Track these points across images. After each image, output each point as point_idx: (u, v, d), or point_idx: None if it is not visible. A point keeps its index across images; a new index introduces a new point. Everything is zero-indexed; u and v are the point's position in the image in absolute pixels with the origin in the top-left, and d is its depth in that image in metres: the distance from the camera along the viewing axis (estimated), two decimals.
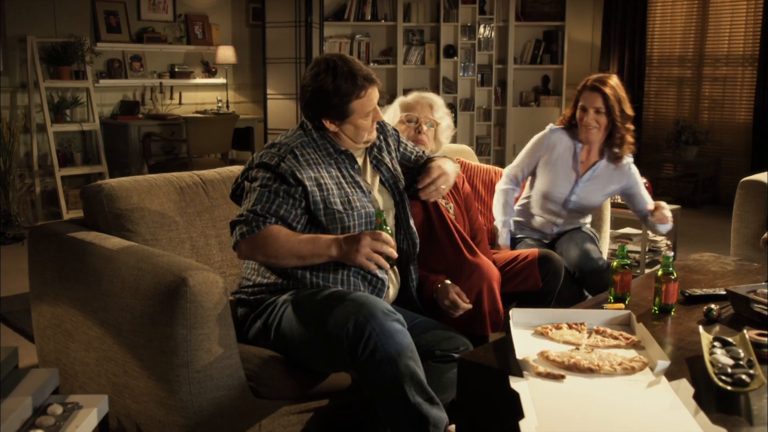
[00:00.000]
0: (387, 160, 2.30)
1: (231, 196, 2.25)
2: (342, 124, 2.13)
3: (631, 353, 1.80)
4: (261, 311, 2.09)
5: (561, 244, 3.06)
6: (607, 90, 2.93)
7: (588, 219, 3.28)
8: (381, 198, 2.25)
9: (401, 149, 2.40)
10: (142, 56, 6.53)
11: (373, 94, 2.13)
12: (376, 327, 1.82)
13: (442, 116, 2.71)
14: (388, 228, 2.07)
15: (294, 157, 2.07)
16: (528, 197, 3.20)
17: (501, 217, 3.09)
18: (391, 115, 2.72)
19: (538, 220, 3.16)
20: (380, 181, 2.28)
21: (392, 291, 2.24)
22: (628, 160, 3.11)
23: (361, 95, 2.09)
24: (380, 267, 1.99)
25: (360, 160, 2.25)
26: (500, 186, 3.15)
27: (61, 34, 5.90)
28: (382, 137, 2.32)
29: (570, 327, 1.94)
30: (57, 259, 2.26)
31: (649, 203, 3.11)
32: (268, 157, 2.08)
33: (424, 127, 2.64)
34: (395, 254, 2.00)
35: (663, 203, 3.00)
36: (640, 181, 3.17)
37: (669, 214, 2.94)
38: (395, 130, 2.41)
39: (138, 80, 6.51)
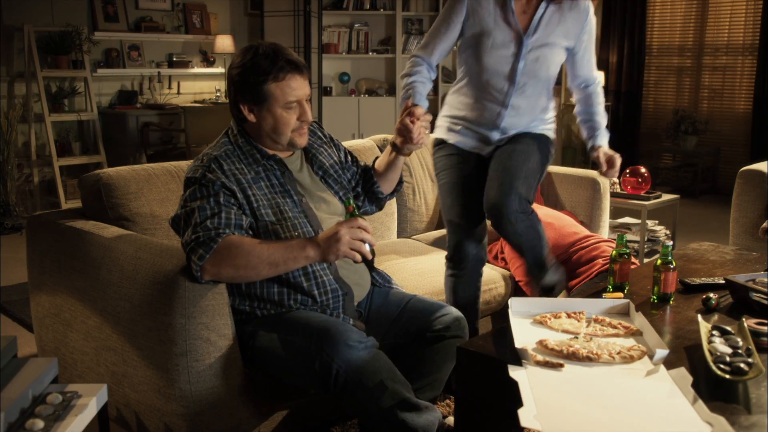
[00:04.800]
0: (332, 171, 2.15)
1: (171, 224, 1.98)
2: (259, 112, 1.94)
3: (630, 342, 1.80)
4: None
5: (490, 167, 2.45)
6: None
7: (549, 110, 2.68)
8: (335, 208, 2.11)
9: (345, 159, 2.25)
10: (140, 45, 6.50)
11: (296, 83, 1.93)
12: (342, 364, 1.76)
13: None
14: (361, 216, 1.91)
15: (219, 167, 1.92)
16: (461, 82, 2.58)
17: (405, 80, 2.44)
18: None
19: (474, 112, 2.52)
20: (334, 194, 2.14)
21: (364, 292, 2.15)
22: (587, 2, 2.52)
23: (279, 77, 1.90)
24: (363, 258, 1.83)
25: (303, 170, 2.10)
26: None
27: (59, 23, 5.87)
28: (319, 143, 2.18)
29: (569, 316, 1.95)
30: (55, 248, 2.26)
31: (595, 74, 2.62)
32: (193, 171, 1.93)
33: None
34: (374, 241, 1.83)
35: (616, 156, 2.46)
36: (593, 41, 2.61)
37: (615, 173, 2.46)
38: (339, 143, 2.28)
39: (136, 70, 6.48)
